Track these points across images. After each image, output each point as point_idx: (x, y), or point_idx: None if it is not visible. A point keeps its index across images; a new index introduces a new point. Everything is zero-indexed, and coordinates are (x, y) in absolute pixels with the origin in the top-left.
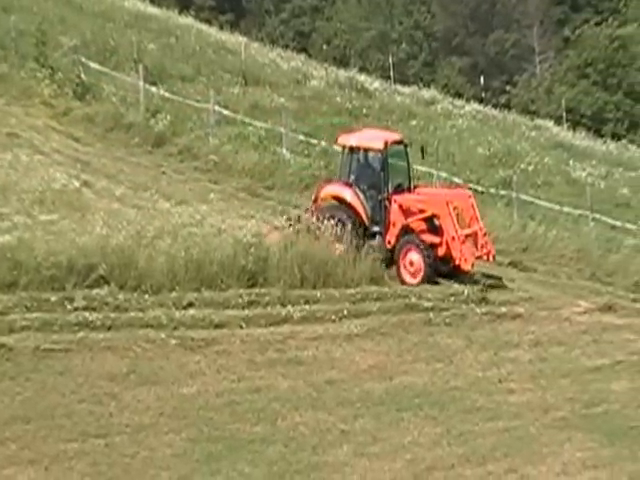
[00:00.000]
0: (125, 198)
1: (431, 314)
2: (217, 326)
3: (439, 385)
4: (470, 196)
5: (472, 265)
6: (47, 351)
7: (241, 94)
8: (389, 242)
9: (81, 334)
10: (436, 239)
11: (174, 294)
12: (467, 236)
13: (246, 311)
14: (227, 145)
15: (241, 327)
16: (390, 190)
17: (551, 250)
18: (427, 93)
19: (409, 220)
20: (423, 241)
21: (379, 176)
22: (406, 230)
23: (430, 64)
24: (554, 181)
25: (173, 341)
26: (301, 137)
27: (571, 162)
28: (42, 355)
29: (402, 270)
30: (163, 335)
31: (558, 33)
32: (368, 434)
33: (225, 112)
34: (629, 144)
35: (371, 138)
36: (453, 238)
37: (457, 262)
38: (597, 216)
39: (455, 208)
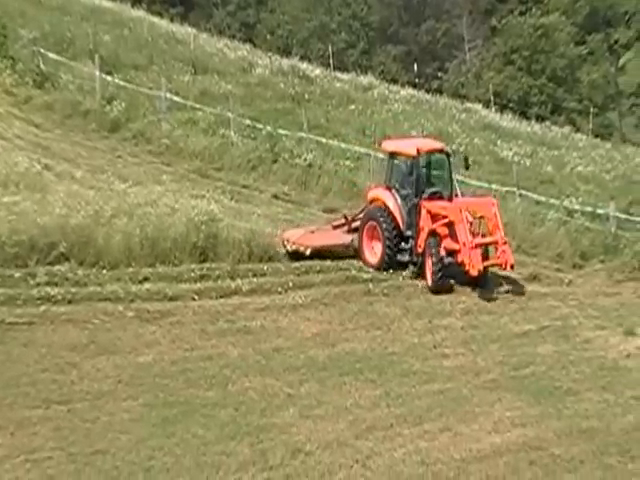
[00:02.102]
0: (83, 180)
1: (370, 285)
2: (171, 299)
3: (378, 351)
4: (493, 204)
5: (479, 272)
6: (11, 324)
7: (191, 82)
8: (419, 246)
9: (43, 308)
10: (456, 245)
11: (130, 269)
12: (484, 244)
13: (198, 284)
14: (178, 129)
15: (193, 299)
16: (424, 196)
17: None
18: (364, 79)
19: (434, 226)
20: (436, 246)
21: (411, 182)
22: (433, 235)
23: (367, 52)
24: (483, 160)
25: (130, 313)
26: (247, 121)
27: (499, 142)
28: (7, 328)
29: (425, 270)
30: (120, 308)
31: (486, 22)
32: (313, 397)
33: (176, 99)
34: (552, 125)
35: (407, 145)
36: (464, 244)
37: (466, 268)
38: (523, 192)
39: (482, 217)
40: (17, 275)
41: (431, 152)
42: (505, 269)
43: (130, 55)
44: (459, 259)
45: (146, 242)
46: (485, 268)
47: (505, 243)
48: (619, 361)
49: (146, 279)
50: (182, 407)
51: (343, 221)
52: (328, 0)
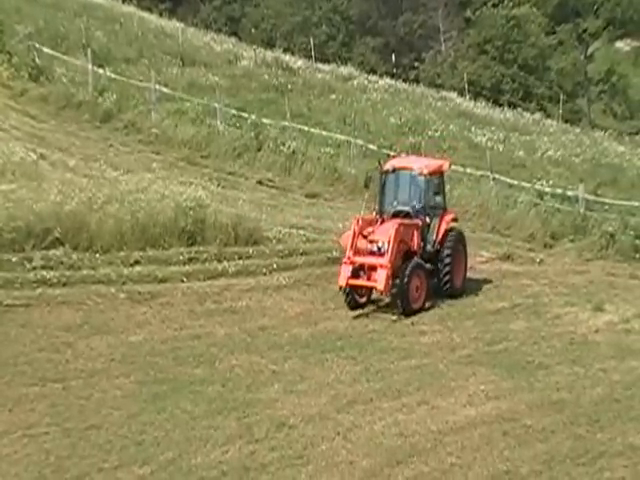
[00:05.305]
0: (77, 168)
1: None
2: (161, 281)
3: (358, 329)
4: (390, 229)
5: (340, 286)
6: (9, 306)
7: (179, 74)
8: None
9: (39, 290)
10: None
11: (122, 253)
12: (359, 263)
13: (186, 267)
14: (167, 119)
15: (182, 281)
16: (386, 214)
17: (456, 207)
18: (345, 70)
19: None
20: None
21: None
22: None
23: (347, 44)
24: (458, 146)
25: (122, 295)
26: (233, 111)
27: (473, 129)
28: (4, 310)
29: None
30: (113, 290)
31: (460, 14)
32: (296, 374)
33: (165, 90)
34: (524, 112)
35: (389, 162)
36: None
37: None
38: (496, 176)
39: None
40: (14, 259)
41: (401, 170)
42: (371, 291)
43: (121, 49)
44: None
45: (137, 227)
46: (402, 294)
47: (382, 267)
48: (588, 336)
49: (137, 262)
50: (171, 384)
51: None
52: None
